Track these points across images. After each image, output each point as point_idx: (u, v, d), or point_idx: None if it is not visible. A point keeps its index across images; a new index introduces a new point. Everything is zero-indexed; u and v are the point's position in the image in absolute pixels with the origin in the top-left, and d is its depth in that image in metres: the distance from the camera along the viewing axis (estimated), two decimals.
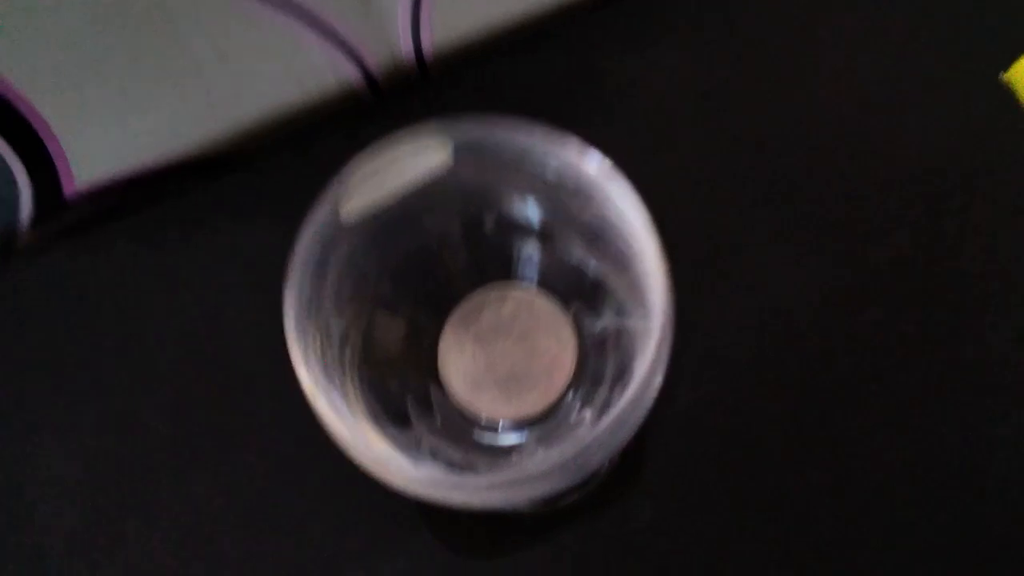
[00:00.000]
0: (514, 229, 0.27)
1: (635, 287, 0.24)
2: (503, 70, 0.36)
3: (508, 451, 0.27)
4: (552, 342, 0.27)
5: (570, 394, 0.27)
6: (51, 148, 0.33)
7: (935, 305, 0.32)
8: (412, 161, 0.24)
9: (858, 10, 0.37)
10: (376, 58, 0.36)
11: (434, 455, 0.25)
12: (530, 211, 0.26)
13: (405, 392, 0.26)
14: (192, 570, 0.31)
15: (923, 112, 0.35)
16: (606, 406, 0.25)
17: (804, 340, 0.32)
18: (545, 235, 0.27)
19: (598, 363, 0.26)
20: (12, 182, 0.33)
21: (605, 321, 0.27)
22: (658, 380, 0.22)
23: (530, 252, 0.27)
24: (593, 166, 0.23)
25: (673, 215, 0.25)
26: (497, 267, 0.28)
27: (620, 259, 0.24)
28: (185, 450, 0.32)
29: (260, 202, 0.35)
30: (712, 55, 0.37)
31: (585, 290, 0.27)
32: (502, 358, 0.27)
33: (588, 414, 0.26)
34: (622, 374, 0.25)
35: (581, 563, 0.30)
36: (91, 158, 0.35)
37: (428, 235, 0.27)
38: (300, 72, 0.35)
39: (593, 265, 0.27)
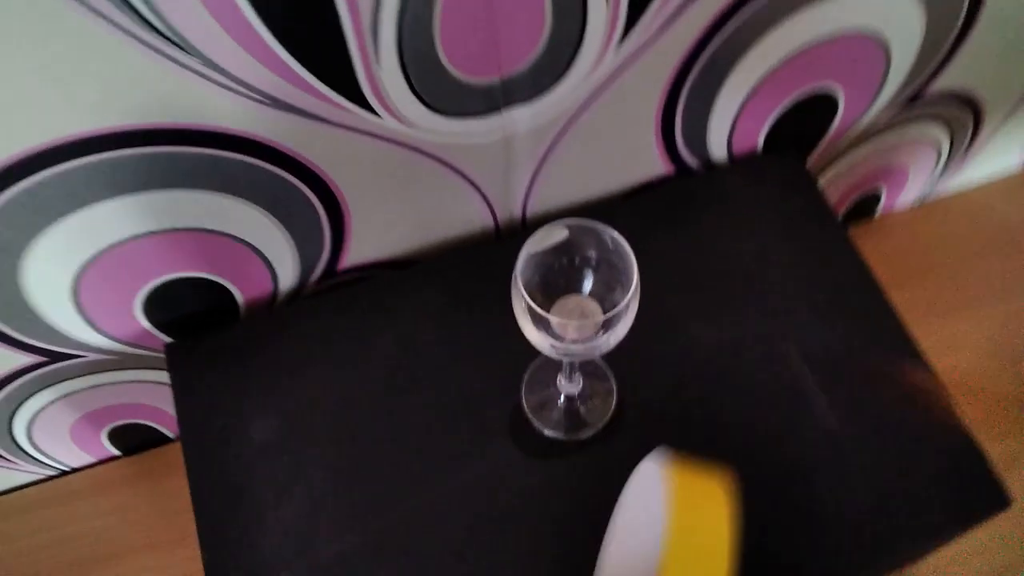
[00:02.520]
0: (586, 265, 0.58)
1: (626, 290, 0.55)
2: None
3: None
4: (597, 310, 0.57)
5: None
6: (346, 241, 0.65)
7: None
8: (552, 233, 0.55)
9: None
10: (503, 214, 0.70)
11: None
12: (593, 258, 0.58)
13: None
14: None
15: None
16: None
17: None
18: (598, 270, 0.58)
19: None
20: (320, 251, 0.65)
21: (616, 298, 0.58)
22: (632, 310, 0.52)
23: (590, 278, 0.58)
24: (624, 244, 0.55)
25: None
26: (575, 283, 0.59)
27: (624, 280, 0.55)
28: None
29: (433, 288, 0.67)
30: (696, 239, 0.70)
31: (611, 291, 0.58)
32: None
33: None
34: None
35: (589, 471, 0.58)
36: (359, 249, 0.66)
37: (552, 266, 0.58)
38: (465, 216, 0.68)
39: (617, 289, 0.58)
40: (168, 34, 0.44)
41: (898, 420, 0.61)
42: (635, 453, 0.55)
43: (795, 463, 0.59)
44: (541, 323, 0.47)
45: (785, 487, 0.58)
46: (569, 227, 0.50)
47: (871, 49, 0.68)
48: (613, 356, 0.61)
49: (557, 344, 0.49)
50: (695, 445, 0.59)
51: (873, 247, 0.73)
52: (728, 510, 0.43)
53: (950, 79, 0.76)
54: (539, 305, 0.46)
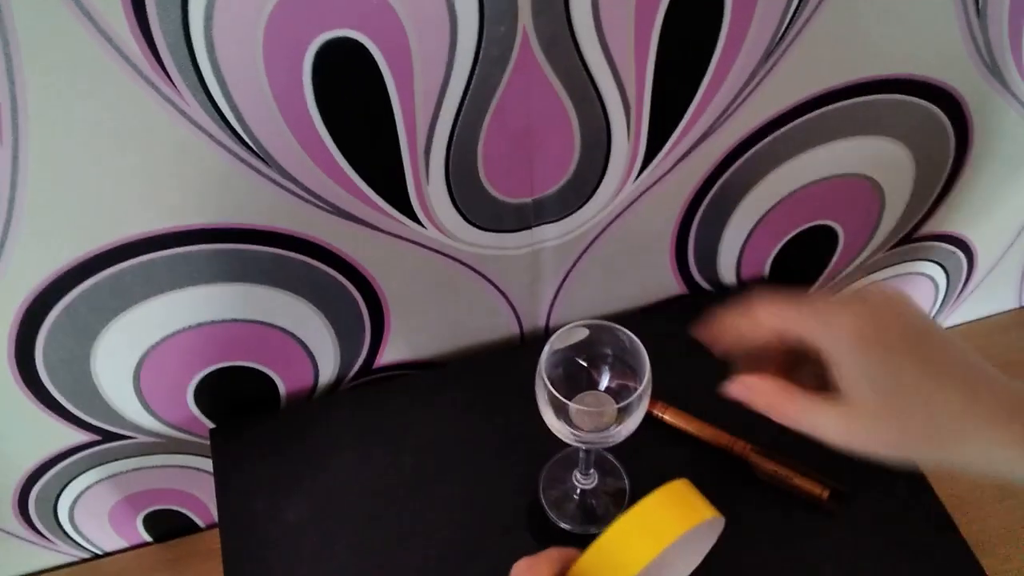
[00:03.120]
0: (603, 362, 0.63)
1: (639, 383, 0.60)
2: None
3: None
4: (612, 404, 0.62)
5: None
6: (383, 340, 0.71)
7: None
8: (573, 333, 0.61)
9: None
10: (528, 322, 0.76)
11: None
12: (610, 355, 0.63)
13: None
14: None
15: None
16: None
17: None
18: (614, 367, 0.63)
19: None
20: (360, 348, 0.71)
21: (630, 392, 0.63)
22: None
23: (607, 374, 0.64)
24: (638, 343, 0.61)
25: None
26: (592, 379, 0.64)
27: (638, 375, 0.61)
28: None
29: (460, 388, 0.72)
30: None
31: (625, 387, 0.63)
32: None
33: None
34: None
35: None
36: (394, 349, 0.73)
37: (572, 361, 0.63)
38: (493, 323, 0.74)
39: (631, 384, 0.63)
40: (254, 147, 0.52)
41: (903, 540, 0.64)
42: None
43: (797, 572, 0.62)
44: (561, 411, 0.53)
45: None
46: (589, 327, 0.56)
47: (866, 191, 0.75)
48: (626, 454, 0.65)
49: (575, 432, 0.54)
50: None
51: None
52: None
53: (942, 222, 0.83)
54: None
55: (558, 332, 0.55)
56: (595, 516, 0.65)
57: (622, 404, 0.52)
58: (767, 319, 0.46)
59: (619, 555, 0.44)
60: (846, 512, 0.64)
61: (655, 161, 0.64)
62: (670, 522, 0.45)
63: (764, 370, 0.48)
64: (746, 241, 0.76)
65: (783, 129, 0.66)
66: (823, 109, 0.65)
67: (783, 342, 0.46)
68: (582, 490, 0.66)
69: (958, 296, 0.96)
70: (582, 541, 0.63)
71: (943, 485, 0.67)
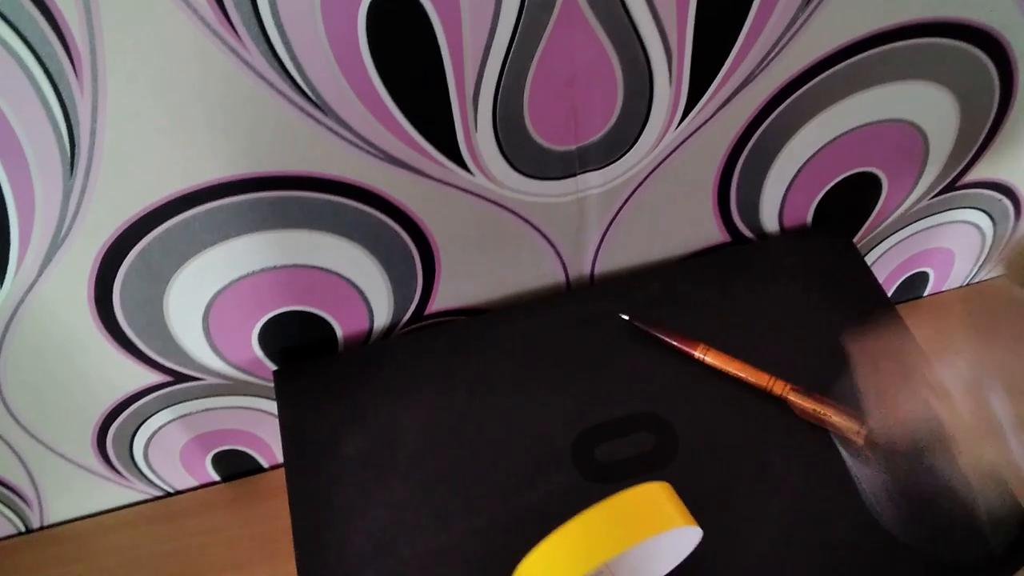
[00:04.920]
0: None
1: None
2: (630, 284, 0.78)
3: None
4: None
5: None
6: (435, 287, 0.74)
7: None
8: None
9: None
10: (573, 270, 0.78)
11: None
12: None
13: None
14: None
15: None
16: None
17: None
18: None
19: None
20: (412, 295, 0.75)
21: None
22: None
23: None
24: None
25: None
26: None
27: None
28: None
29: (508, 334, 0.75)
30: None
31: None
32: None
33: None
34: None
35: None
36: (444, 295, 0.76)
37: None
38: (539, 270, 0.77)
39: None
40: (312, 96, 0.55)
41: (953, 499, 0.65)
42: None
43: (839, 540, 0.64)
44: None
45: (827, 537, 0.63)
46: None
47: (910, 137, 0.76)
48: (668, 394, 0.67)
49: None
50: (742, 489, 0.65)
51: (922, 325, 0.78)
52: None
53: (988, 169, 0.83)
54: None
55: None
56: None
57: None
58: None
59: (578, 548, 0.45)
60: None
61: (696, 108, 0.66)
62: (639, 523, 0.46)
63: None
64: (788, 189, 0.78)
65: (825, 74, 0.67)
66: (865, 53, 0.66)
67: None
68: None
69: (1004, 244, 0.96)
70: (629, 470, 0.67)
71: None
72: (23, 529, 0.88)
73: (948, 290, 1.01)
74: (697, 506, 0.60)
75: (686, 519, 0.48)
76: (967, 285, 1.02)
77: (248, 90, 0.54)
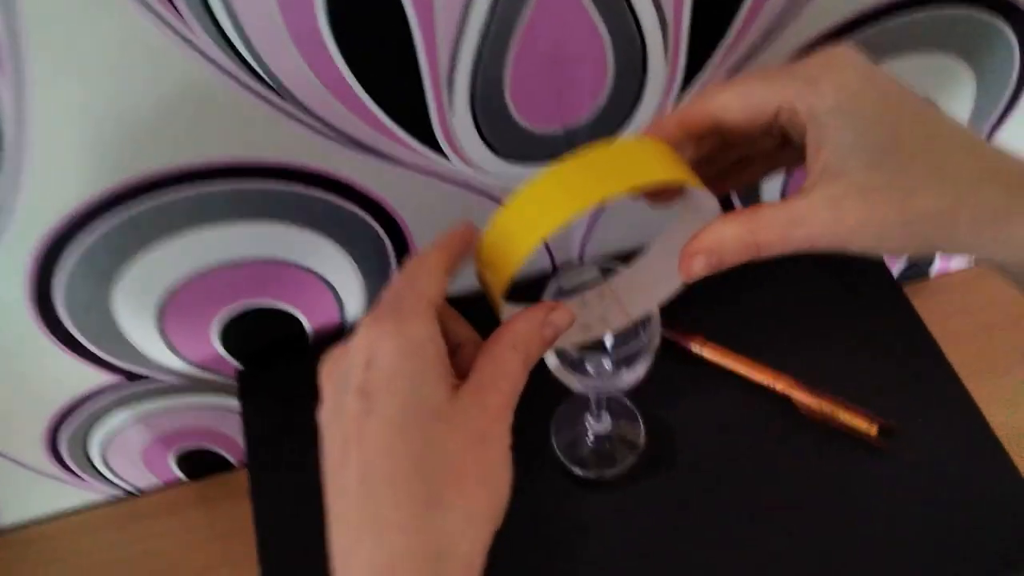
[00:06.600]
0: None
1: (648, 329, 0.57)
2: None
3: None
4: None
5: None
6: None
7: None
8: (582, 273, 0.57)
9: None
10: (560, 256, 0.73)
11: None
12: None
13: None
14: None
15: None
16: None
17: None
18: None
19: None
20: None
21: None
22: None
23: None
24: None
25: None
26: None
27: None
28: None
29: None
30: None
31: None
32: None
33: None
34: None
35: (617, 508, 0.60)
36: None
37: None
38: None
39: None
40: (265, 76, 0.49)
41: (956, 475, 0.61)
42: (664, 490, 0.57)
43: (844, 513, 0.60)
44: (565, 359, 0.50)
45: (832, 539, 0.59)
46: (602, 268, 0.51)
47: None
48: (661, 391, 0.63)
49: (582, 379, 0.51)
50: (733, 485, 0.61)
51: (928, 306, 0.74)
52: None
53: (1005, 142, 0.77)
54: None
55: (566, 271, 0.51)
56: (610, 461, 0.63)
57: (625, 355, 0.49)
58: (735, 99, 0.38)
59: (575, 184, 0.35)
60: (894, 448, 0.62)
61: (694, 86, 0.60)
62: (624, 172, 0.35)
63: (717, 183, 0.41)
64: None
65: None
66: (879, 24, 0.60)
67: (751, 125, 0.38)
68: (595, 434, 0.64)
69: None
70: (595, 486, 0.62)
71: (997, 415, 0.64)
72: None
73: (954, 271, 0.96)
74: (692, 506, 0.56)
75: (696, 181, 0.39)
76: (974, 266, 0.97)
77: (190, 69, 0.48)
